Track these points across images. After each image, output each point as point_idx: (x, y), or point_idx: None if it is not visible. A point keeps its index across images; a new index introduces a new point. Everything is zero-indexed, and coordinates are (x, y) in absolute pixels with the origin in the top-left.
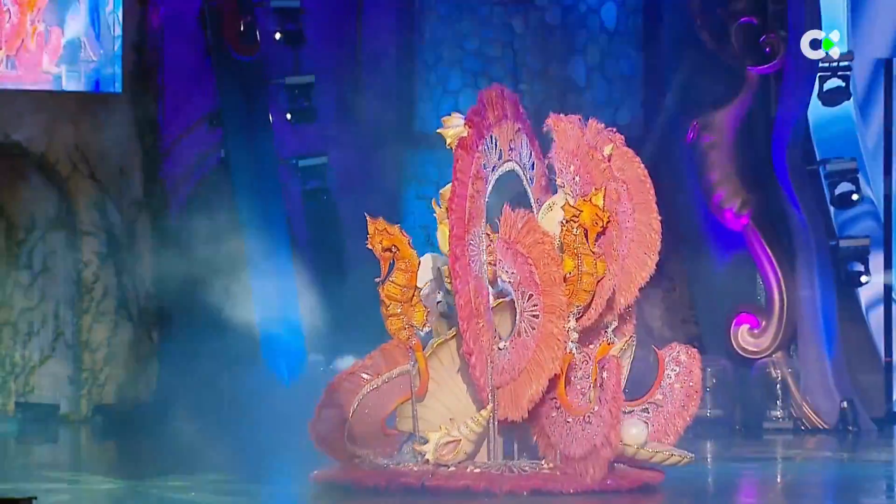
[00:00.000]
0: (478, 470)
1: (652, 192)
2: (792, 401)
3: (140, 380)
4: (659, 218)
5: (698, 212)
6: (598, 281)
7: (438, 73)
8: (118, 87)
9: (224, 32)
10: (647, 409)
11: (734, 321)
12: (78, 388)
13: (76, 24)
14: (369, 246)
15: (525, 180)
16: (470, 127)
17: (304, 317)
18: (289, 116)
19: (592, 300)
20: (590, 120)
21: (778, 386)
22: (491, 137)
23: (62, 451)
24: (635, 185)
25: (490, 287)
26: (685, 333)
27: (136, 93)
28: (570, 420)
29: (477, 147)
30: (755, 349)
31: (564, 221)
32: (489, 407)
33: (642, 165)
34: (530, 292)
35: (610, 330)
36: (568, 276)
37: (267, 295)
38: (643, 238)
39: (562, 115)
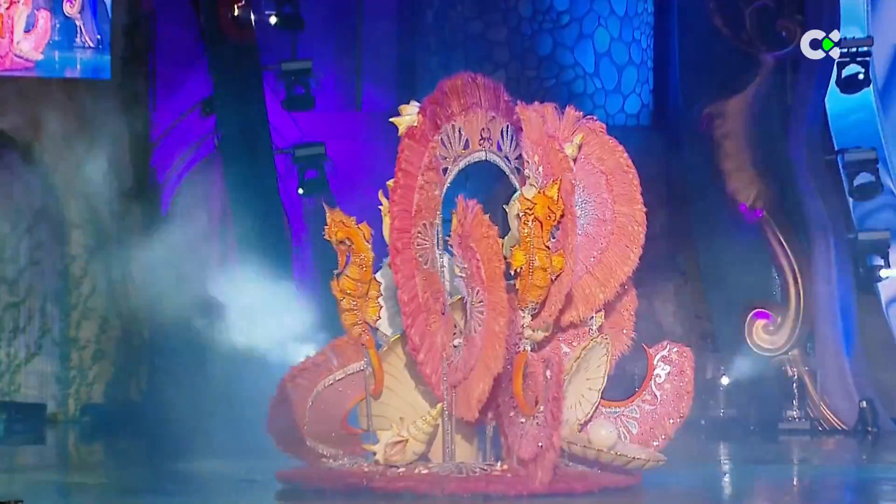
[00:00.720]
0: (426, 471)
1: (636, 182)
2: (809, 400)
3: (130, 378)
4: (644, 209)
5: (711, 203)
6: (558, 276)
7: (441, 58)
8: (107, 73)
9: (218, 16)
10: (635, 409)
11: (749, 317)
12: (65, 387)
13: (71, 7)
14: (326, 237)
15: (508, 170)
16: (422, 116)
17: (303, 311)
18: (285, 104)
19: (548, 296)
20: (567, 108)
21: (794, 385)
22: (453, 127)
23: (49, 452)
24: (617, 175)
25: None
26: (698, 330)
27: (126, 79)
28: (523, 420)
29: (431, 137)
30: (771, 346)
31: (521, 214)
32: (438, 406)
33: (625, 155)
34: (478, 288)
35: (595, 327)
36: (519, 270)
37: (263, 289)
38: (625, 230)
39: (538, 102)
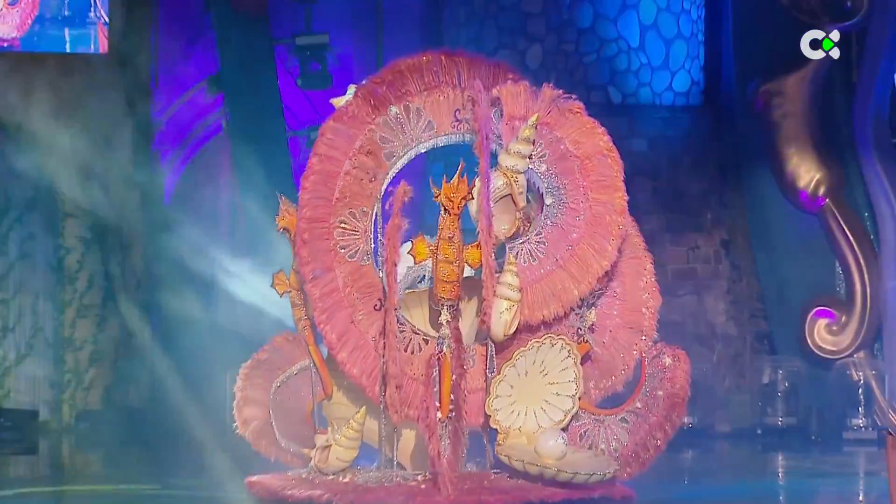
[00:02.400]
0: (346, 479)
1: (616, 167)
2: (876, 407)
3: (130, 382)
4: (625, 197)
5: (768, 191)
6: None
7: (470, 31)
8: (102, 48)
9: None
10: (626, 418)
11: (810, 316)
12: (59, 391)
13: None
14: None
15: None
16: (356, 97)
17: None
18: (299, 81)
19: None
20: (543, 86)
21: (860, 390)
22: (406, 108)
23: (42, 463)
24: (595, 160)
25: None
26: (753, 330)
27: (126, 54)
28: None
29: (369, 119)
30: (834, 348)
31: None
32: (362, 410)
33: (606, 137)
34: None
35: (587, 325)
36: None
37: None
38: (601, 221)
39: (511, 81)
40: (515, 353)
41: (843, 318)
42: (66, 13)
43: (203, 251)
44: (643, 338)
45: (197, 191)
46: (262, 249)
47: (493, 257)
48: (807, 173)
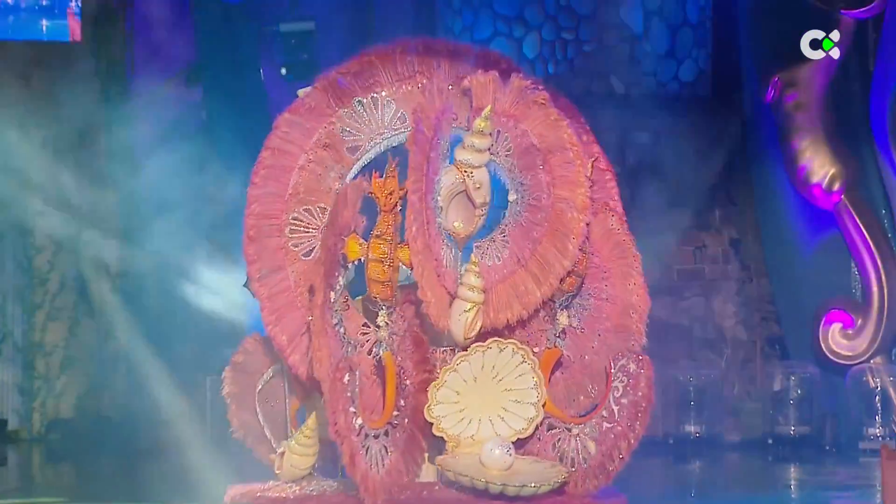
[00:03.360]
0: (295, 488)
1: (578, 161)
2: (894, 415)
3: (104, 389)
4: (587, 194)
5: (780, 186)
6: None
7: (465, 19)
8: (74, 35)
9: None
10: (594, 427)
11: (824, 320)
12: (29, 399)
13: None
14: None
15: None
16: (317, 89)
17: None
18: (284, 71)
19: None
20: (511, 77)
21: (877, 398)
22: (374, 99)
23: (11, 475)
24: (557, 154)
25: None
26: (764, 334)
27: (99, 41)
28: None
29: (331, 112)
30: (849, 353)
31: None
32: (313, 415)
33: (569, 131)
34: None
35: (559, 329)
36: (357, 262)
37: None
38: (562, 218)
39: (482, 72)
40: (456, 357)
41: (860, 322)
42: (44, 2)
43: (182, 250)
44: (632, 343)
45: (175, 187)
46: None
47: (427, 255)
48: (821, 167)
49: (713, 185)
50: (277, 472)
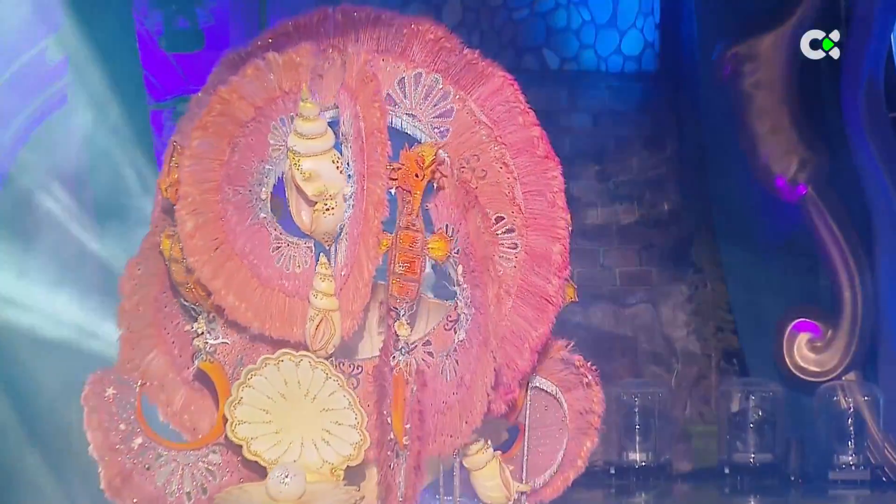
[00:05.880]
0: None
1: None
2: (869, 441)
3: None
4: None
5: (738, 177)
6: None
7: None
8: None
9: None
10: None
11: (788, 330)
12: None
13: None
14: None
15: (414, 130)
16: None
17: None
18: (163, 42)
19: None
20: (355, 54)
21: (849, 420)
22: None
23: None
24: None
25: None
26: (720, 347)
27: None
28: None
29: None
30: (818, 369)
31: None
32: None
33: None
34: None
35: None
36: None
37: None
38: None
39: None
40: (245, 371)
41: (829, 333)
42: None
43: (48, 253)
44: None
45: (37, 176)
46: (116, 241)
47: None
48: (785, 155)
49: (661, 176)
50: None
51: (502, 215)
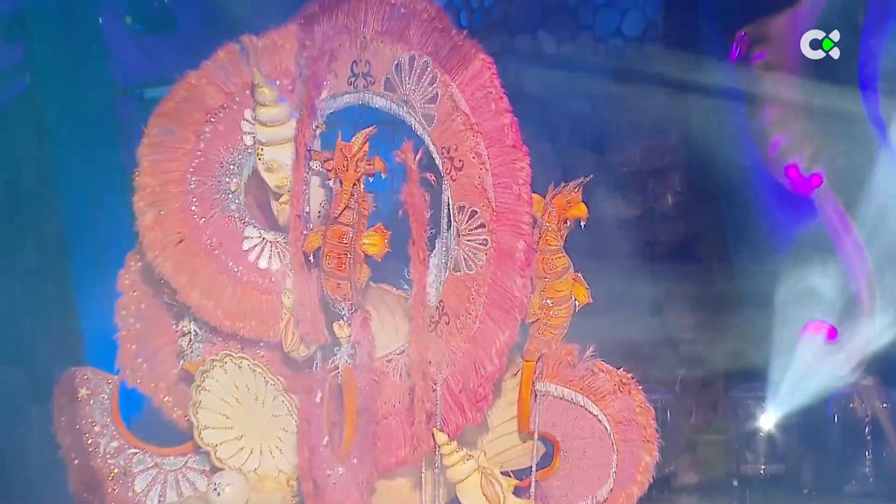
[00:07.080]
0: None
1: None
2: (887, 451)
3: None
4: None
5: (747, 167)
6: None
7: None
8: None
9: None
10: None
11: (801, 331)
12: None
13: None
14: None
15: (411, 119)
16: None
17: None
18: (130, 22)
19: None
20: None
21: (867, 429)
22: None
23: None
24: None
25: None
26: (728, 351)
27: None
28: None
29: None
30: (833, 373)
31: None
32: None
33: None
34: None
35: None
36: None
37: (98, 295)
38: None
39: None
40: (197, 372)
41: (845, 335)
42: None
43: (4, 252)
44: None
45: None
46: (84, 244)
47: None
48: (797, 144)
49: (666, 166)
50: None
51: (476, 209)
